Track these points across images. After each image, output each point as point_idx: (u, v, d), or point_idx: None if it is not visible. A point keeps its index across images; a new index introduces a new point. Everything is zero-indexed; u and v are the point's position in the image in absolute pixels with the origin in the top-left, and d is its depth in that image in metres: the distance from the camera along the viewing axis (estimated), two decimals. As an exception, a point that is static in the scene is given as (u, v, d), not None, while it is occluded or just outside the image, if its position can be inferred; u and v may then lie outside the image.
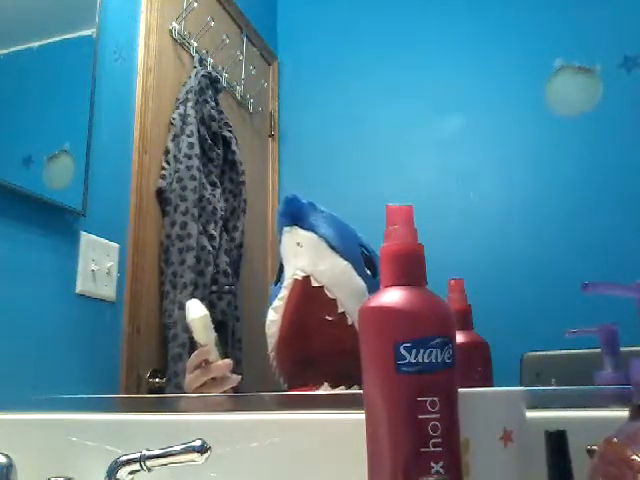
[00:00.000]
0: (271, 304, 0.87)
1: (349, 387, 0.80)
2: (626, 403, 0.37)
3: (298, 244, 0.84)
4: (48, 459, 0.71)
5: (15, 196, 0.94)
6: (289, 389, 0.87)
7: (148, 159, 1.24)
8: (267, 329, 0.87)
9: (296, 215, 0.85)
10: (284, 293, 0.85)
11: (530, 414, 0.49)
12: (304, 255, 0.84)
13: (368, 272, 0.85)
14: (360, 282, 0.83)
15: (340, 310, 0.82)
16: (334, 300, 0.82)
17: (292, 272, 0.84)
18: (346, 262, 0.84)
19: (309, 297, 0.83)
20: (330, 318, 0.82)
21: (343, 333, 0.80)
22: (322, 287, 0.82)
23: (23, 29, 1.02)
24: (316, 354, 0.84)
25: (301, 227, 0.85)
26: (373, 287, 0.83)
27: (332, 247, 0.84)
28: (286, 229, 0.86)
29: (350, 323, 0.81)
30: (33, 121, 1.02)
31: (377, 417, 0.43)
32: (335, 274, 0.83)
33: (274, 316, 0.86)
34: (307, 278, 0.83)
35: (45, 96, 1.05)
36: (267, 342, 0.88)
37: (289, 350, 0.86)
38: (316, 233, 0.84)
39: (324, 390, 0.81)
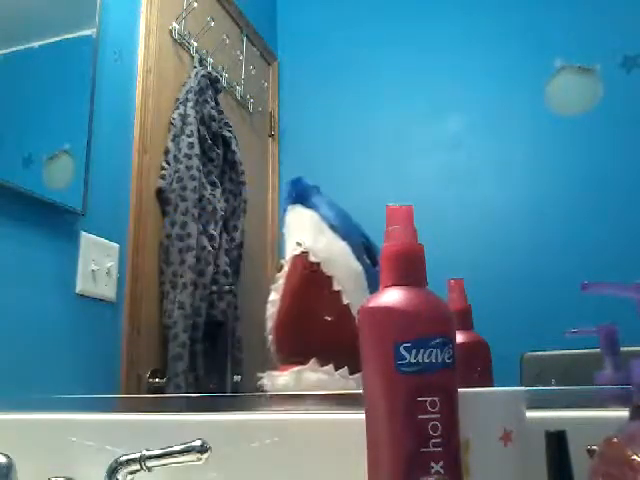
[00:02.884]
0: None
1: (337, 367, 0.81)
2: (626, 403, 0.37)
3: (299, 221, 0.87)
4: (48, 459, 0.71)
5: (15, 196, 0.94)
6: (280, 365, 0.87)
7: (148, 159, 1.24)
8: (267, 310, 0.89)
9: (299, 194, 0.88)
10: (284, 269, 0.87)
11: (530, 414, 0.49)
12: (304, 231, 0.86)
13: (367, 260, 0.86)
14: (357, 265, 0.85)
15: (336, 288, 0.83)
16: (330, 277, 0.83)
17: (292, 248, 0.86)
18: (344, 243, 0.85)
19: (307, 273, 0.84)
20: (328, 318, 0.83)
21: (336, 311, 0.82)
22: (319, 263, 0.83)
23: (23, 29, 1.02)
24: (310, 331, 0.85)
25: (303, 205, 0.87)
26: (372, 276, 0.84)
27: (332, 227, 0.86)
28: (289, 207, 0.89)
29: (345, 302, 0.82)
30: (33, 121, 1.02)
31: (377, 417, 0.43)
32: (333, 252, 0.84)
33: (274, 295, 0.88)
34: (306, 254, 0.84)
35: (45, 96, 1.05)
36: (266, 327, 0.89)
37: (287, 327, 0.87)
38: (317, 212, 0.87)
39: (311, 366, 0.81)
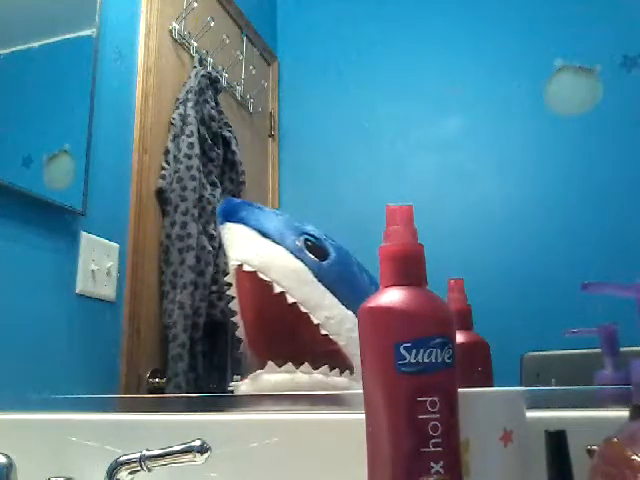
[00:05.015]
0: None
1: (298, 365, 0.82)
2: (626, 403, 0.37)
3: (230, 236, 0.90)
4: (48, 459, 0.71)
5: (15, 196, 0.94)
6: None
7: (148, 159, 1.24)
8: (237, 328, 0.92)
9: (227, 212, 0.92)
10: (232, 285, 0.89)
11: (530, 414, 0.49)
12: (235, 246, 0.88)
13: (311, 256, 0.88)
14: (297, 262, 0.86)
15: (277, 290, 0.84)
16: (270, 282, 0.85)
17: (230, 263, 0.89)
18: (279, 246, 0.87)
19: (248, 284, 0.87)
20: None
21: (286, 312, 0.83)
22: (255, 272, 0.85)
23: (23, 29, 1.02)
24: (276, 337, 0.87)
25: (231, 222, 0.90)
26: (322, 270, 0.86)
27: (263, 234, 0.88)
28: (220, 227, 0.93)
29: (291, 302, 0.83)
30: (33, 121, 1.02)
31: (377, 417, 0.43)
32: (265, 258, 0.86)
33: (234, 307, 0.90)
34: (241, 266, 0.86)
35: (45, 96, 1.05)
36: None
37: (255, 340, 0.90)
38: (245, 224, 0.89)
39: (268, 369, 0.83)
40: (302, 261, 0.86)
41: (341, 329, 0.82)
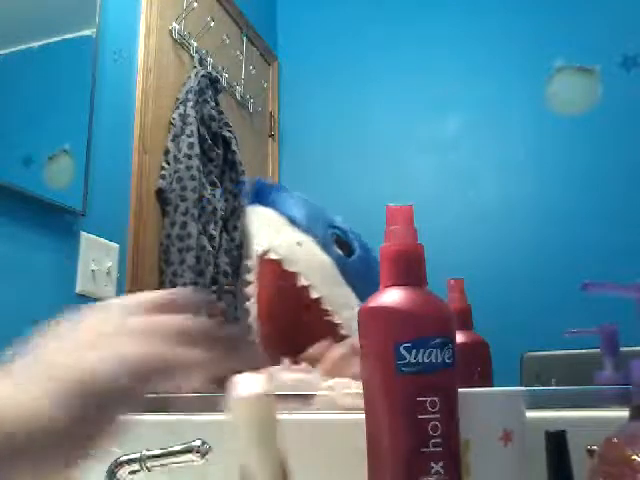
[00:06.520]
0: None
1: (312, 365, 0.79)
2: (626, 403, 0.37)
3: (258, 221, 0.86)
4: (48, 459, 0.71)
5: (15, 196, 0.94)
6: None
7: (148, 159, 1.24)
8: (250, 314, 0.88)
9: (257, 194, 0.87)
10: (253, 271, 0.85)
11: (530, 414, 0.49)
12: (262, 231, 0.85)
13: (338, 251, 0.84)
14: (324, 257, 0.82)
15: (302, 283, 0.80)
16: (295, 273, 0.81)
17: (254, 249, 0.85)
18: (307, 236, 0.83)
19: (271, 272, 0.83)
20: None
21: (308, 307, 0.80)
22: (281, 261, 0.81)
23: (23, 29, 1.02)
24: (290, 330, 0.84)
25: (261, 204, 0.86)
26: (347, 266, 0.82)
27: (293, 222, 0.84)
28: (248, 209, 0.88)
29: (315, 297, 0.80)
30: (33, 121, 1.02)
31: (377, 417, 0.43)
32: (293, 248, 0.82)
33: (252, 300, 0.87)
34: (266, 253, 0.82)
35: (45, 96, 1.05)
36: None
37: (268, 329, 0.85)
38: (275, 209, 0.85)
39: (283, 368, 0.79)
40: (329, 255, 0.82)
41: None
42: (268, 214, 0.85)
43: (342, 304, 0.79)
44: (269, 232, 0.84)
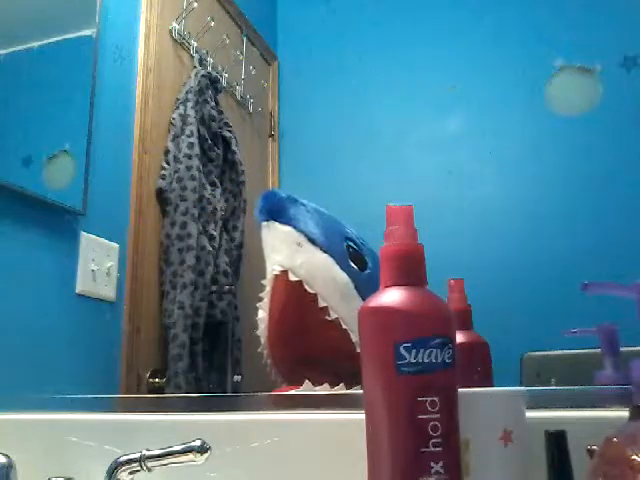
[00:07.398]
0: None
1: (333, 384, 0.79)
2: (626, 403, 0.37)
3: (276, 239, 0.83)
4: (48, 459, 0.71)
5: (15, 196, 0.94)
6: (287, 386, 0.86)
7: (148, 159, 1.24)
8: (258, 327, 0.87)
9: (273, 210, 0.84)
10: (267, 289, 0.84)
11: (530, 414, 0.49)
12: (281, 249, 0.82)
13: (354, 266, 0.84)
14: (342, 275, 0.81)
15: (321, 305, 0.80)
16: (314, 295, 0.80)
17: (271, 268, 0.83)
18: (326, 255, 0.82)
19: (289, 292, 0.81)
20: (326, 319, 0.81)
21: (325, 328, 0.79)
22: (301, 282, 0.80)
23: (23, 29, 1.02)
24: (303, 349, 0.83)
25: (278, 221, 0.84)
26: (361, 281, 0.82)
27: (311, 240, 0.82)
28: (264, 224, 0.85)
29: (332, 318, 0.80)
30: (33, 121, 1.02)
31: (377, 417, 0.43)
32: (313, 267, 0.81)
33: (262, 313, 0.85)
34: (285, 273, 0.81)
35: (45, 96, 1.05)
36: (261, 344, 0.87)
37: (279, 347, 0.85)
38: (294, 227, 0.83)
39: (305, 389, 0.79)
40: (347, 273, 0.82)
41: None
42: (286, 232, 0.83)
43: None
44: (288, 251, 0.82)
